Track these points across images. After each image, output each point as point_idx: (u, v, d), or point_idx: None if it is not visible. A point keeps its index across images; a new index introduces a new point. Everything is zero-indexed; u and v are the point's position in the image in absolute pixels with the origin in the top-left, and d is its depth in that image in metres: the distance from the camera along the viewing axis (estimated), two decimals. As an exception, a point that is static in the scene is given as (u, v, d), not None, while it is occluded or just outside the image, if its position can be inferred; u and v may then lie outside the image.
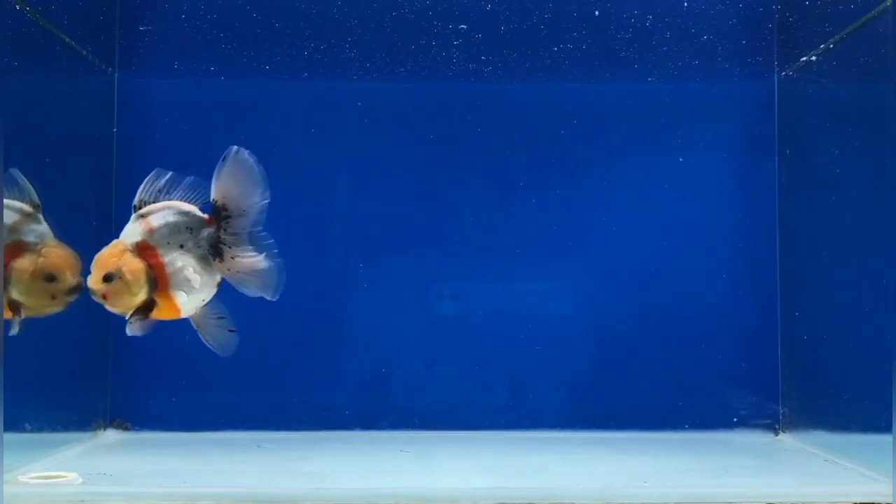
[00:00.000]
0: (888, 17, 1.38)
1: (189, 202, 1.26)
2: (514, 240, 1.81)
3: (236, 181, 1.25)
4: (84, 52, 1.67)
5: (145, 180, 1.25)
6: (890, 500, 1.19)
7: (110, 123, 1.77)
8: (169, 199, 1.25)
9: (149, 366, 1.77)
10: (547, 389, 1.80)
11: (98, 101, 1.75)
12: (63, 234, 1.60)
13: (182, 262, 1.24)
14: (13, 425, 1.32)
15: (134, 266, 1.22)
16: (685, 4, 1.80)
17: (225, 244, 1.26)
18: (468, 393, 1.80)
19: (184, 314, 1.28)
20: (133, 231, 1.25)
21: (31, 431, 1.44)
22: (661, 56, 1.81)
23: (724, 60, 1.82)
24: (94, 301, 1.23)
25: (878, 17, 1.42)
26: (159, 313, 1.25)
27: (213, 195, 1.25)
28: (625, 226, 1.81)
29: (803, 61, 1.71)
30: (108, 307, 1.23)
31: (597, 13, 1.80)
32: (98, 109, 1.75)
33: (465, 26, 1.80)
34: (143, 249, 1.24)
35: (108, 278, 1.21)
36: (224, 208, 1.25)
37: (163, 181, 1.26)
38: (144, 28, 1.79)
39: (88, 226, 1.70)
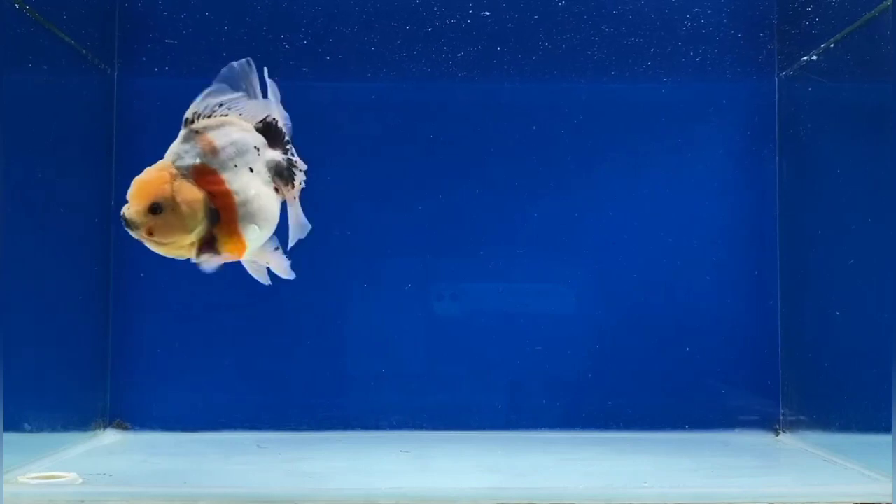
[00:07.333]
0: (888, 17, 1.38)
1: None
2: (514, 240, 1.81)
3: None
4: (84, 52, 1.67)
5: (204, 93, 1.03)
6: (890, 500, 1.18)
7: (110, 123, 1.77)
8: (226, 116, 1.04)
9: (149, 366, 1.77)
10: (547, 389, 1.80)
11: (98, 101, 1.75)
12: (62, 232, 1.60)
13: (255, 190, 1.03)
14: (13, 425, 1.32)
15: (190, 195, 0.99)
16: (685, 4, 1.80)
17: (297, 167, 1.09)
18: (468, 393, 1.80)
19: (247, 255, 1.06)
20: (187, 151, 1.01)
21: (31, 431, 1.44)
22: (661, 56, 1.81)
23: (725, 60, 1.82)
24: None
25: (878, 17, 1.42)
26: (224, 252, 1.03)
27: (273, 114, 1.08)
28: (625, 226, 1.81)
29: (803, 61, 1.71)
30: (153, 246, 1.02)
31: (597, 13, 1.80)
32: (98, 109, 1.75)
33: (464, 26, 1.80)
34: (202, 174, 1.00)
35: (155, 209, 0.98)
36: (280, 130, 1.08)
37: (225, 97, 1.03)
38: (144, 28, 1.79)
39: (87, 225, 1.70)
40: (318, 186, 1.80)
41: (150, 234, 0.99)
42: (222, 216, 1.01)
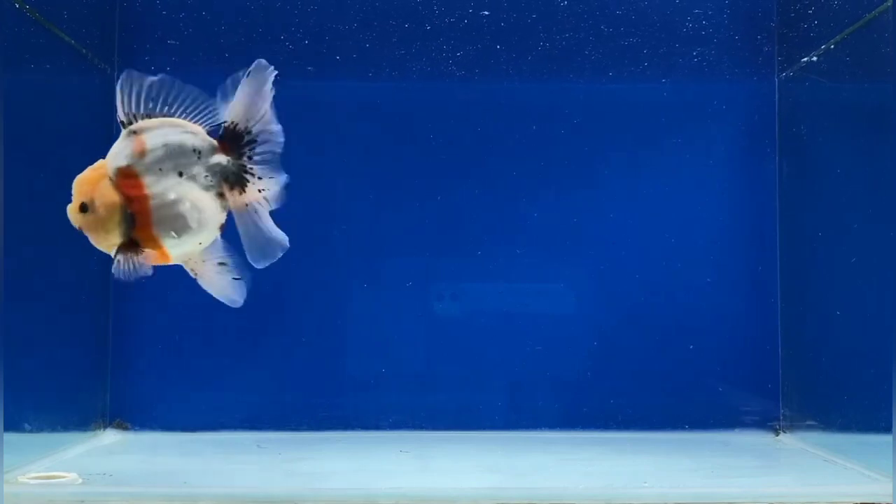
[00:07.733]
0: (888, 17, 1.38)
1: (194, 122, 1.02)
2: (514, 240, 1.81)
3: (265, 99, 1.05)
4: (84, 52, 1.67)
5: (121, 84, 1.02)
6: (890, 500, 1.18)
7: (110, 123, 1.77)
8: (168, 115, 1.02)
9: (149, 366, 1.77)
10: (547, 389, 1.80)
11: (98, 101, 1.75)
12: (62, 232, 1.60)
13: (177, 195, 1.00)
14: (13, 425, 1.32)
15: (108, 198, 1.00)
16: (686, 5, 1.80)
17: (251, 173, 1.05)
18: (468, 393, 1.80)
19: (174, 260, 1.06)
20: (120, 151, 1.01)
21: (31, 431, 1.44)
22: (661, 56, 1.81)
23: (725, 60, 1.82)
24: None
25: (878, 17, 1.42)
26: (150, 257, 1.03)
27: (232, 116, 1.04)
28: (625, 226, 1.81)
29: (804, 61, 1.71)
30: (91, 241, 1.04)
31: (597, 13, 1.80)
32: (98, 109, 1.75)
33: (463, 25, 1.80)
34: (126, 177, 1.00)
35: (83, 208, 1.02)
36: (247, 131, 1.05)
37: (154, 90, 1.01)
38: (144, 28, 1.79)
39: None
40: (319, 186, 1.81)
41: (82, 230, 1.03)
42: (137, 220, 1.01)
